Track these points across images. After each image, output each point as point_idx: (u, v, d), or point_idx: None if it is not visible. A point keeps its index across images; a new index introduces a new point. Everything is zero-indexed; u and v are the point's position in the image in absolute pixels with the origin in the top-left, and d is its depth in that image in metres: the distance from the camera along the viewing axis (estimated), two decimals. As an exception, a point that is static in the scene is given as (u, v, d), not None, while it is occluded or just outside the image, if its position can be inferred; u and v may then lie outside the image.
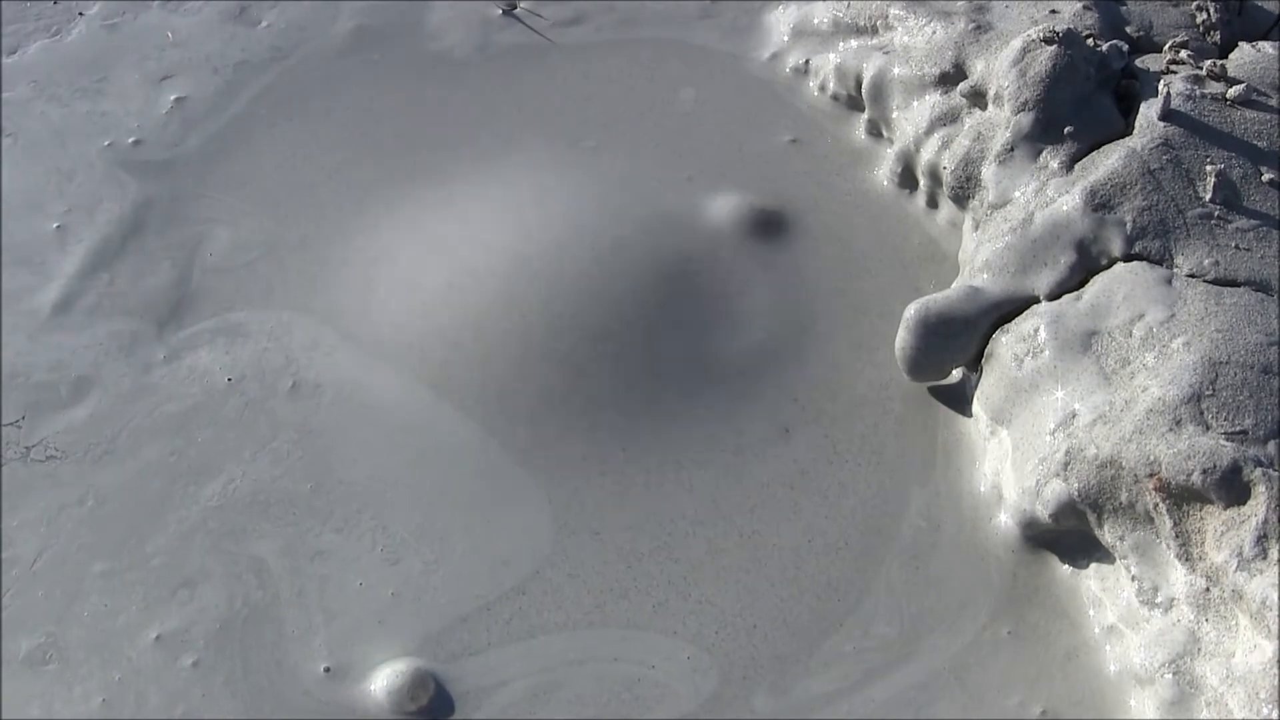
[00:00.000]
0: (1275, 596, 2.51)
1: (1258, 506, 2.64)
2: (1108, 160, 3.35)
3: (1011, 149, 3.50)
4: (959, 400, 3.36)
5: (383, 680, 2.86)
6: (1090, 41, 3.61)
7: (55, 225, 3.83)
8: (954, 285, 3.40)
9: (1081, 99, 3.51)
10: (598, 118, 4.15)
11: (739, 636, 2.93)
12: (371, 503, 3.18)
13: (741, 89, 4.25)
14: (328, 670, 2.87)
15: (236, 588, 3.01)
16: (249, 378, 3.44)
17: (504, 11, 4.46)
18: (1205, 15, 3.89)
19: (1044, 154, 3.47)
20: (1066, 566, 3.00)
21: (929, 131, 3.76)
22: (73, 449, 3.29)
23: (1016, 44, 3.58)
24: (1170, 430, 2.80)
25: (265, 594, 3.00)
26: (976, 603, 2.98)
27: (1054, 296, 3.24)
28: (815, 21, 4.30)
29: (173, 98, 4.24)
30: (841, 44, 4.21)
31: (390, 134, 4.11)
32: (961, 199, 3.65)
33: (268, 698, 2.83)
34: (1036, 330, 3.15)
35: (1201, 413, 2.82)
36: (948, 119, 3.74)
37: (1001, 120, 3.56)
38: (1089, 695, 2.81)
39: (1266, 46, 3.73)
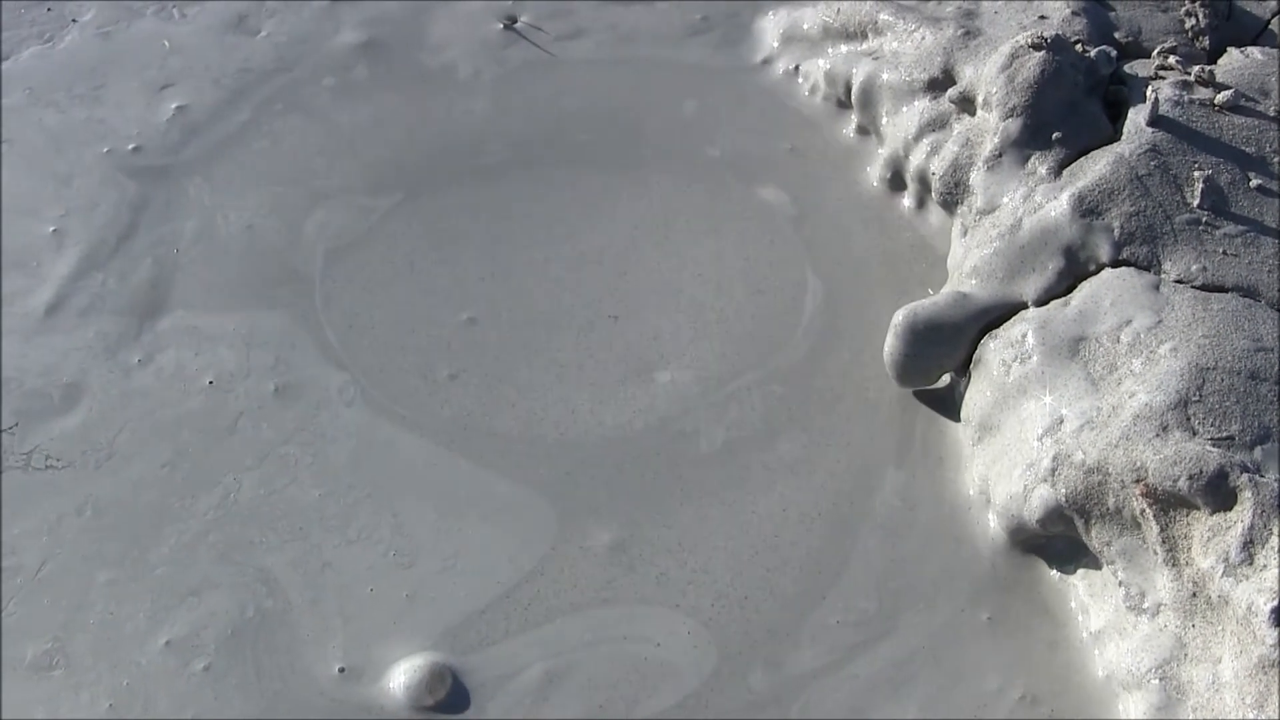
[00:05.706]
0: (1261, 602, 2.54)
1: (1244, 512, 2.66)
2: (1096, 166, 3.37)
3: (999, 155, 3.52)
4: (947, 406, 3.39)
5: (400, 676, 2.88)
6: (1079, 47, 3.62)
7: (51, 229, 3.84)
8: (943, 291, 3.42)
9: (1070, 105, 3.52)
10: (598, 130, 4.19)
11: (733, 609, 3.00)
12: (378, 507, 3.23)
13: (740, 98, 4.25)
14: (342, 671, 2.90)
15: (246, 596, 3.04)
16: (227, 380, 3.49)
17: (505, 26, 4.45)
18: (1194, 20, 3.90)
19: (1032, 160, 3.48)
20: (1054, 572, 3.04)
21: (918, 137, 3.77)
22: (67, 455, 3.32)
23: (1004, 50, 3.59)
24: (1157, 436, 2.83)
25: (276, 602, 3.03)
26: (955, 586, 3.04)
27: (1042, 302, 3.26)
28: (805, 27, 4.30)
29: (173, 106, 4.24)
30: (831, 49, 4.21)
31: (389, 147, 4.12)
32: (950, 205, 3.67)
33: (282, 700, 2.85)
34: (1024, 336, 3.18)
35: (1188, 418, 2.85)
36: (937, 125, 3.75)
37: (990, 126, 3.58)
38: (1070, 688, 2.85)
39: (1255, 52, 3.74)
